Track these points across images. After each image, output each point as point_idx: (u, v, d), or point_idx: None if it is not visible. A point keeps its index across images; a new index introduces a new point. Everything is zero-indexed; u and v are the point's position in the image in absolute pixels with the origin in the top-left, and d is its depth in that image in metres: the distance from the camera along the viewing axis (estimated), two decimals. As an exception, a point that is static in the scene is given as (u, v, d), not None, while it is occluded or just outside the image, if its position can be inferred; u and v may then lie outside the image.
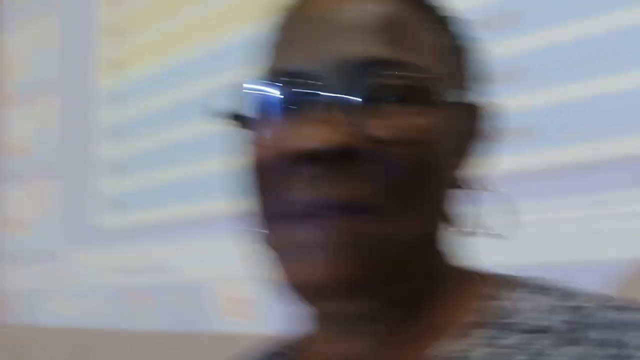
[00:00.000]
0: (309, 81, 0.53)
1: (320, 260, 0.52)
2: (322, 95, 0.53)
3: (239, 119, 0.57)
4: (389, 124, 0.53)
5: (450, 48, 0.60)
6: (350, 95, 0.52)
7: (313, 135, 0.51)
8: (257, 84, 0.56)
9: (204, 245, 1.90)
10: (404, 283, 0.55)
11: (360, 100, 0.52)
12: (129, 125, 2.25)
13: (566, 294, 0.57)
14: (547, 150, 1.27)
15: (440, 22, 0.60)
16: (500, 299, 0.57)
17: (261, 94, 0.56)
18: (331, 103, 0.52)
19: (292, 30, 0.57)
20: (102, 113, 2.35)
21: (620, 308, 0.54)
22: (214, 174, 1.44)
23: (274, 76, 0.56)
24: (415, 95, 0.54)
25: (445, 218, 0.58)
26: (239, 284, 1.78)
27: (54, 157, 2.53)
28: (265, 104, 0.56)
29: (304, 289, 0.53)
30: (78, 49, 2.46)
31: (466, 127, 0.60)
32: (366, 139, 0.52)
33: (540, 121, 1.28)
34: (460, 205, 0.59)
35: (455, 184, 0.59)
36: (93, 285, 2.31)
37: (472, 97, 0.61)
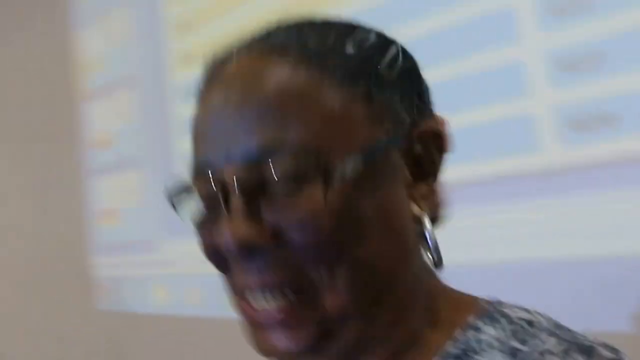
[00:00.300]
0: (208, 177, 0.57)
1: (274, 337, 0.57)
2: (221, 189, 0.56)
3: (181, 204, 0.61)
4: (282, 207, 0.55)
5: (366, 93, 0.58)
6: (247, 187, 0.55)
7: (219, 237, 0.56)
8: (184, 178, 0.60)
9: None
10: (370, 331, 0.59)
11: (255, 190, 0.55)
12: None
13: (526, 333, 0.58)
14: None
15: (347, 73, 0.58)
16: (479, 332, 0.59)
17: (184, 188, 0.60)
18: (230, 194, 0.56)
19: (199, 118, 0.60)
20: (179, 105, 2.37)
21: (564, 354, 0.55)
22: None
23: (193, 168, 0.60)
24: (304, 175, 0.54)
25: (404, 256, 0.60)
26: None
27: (138, 149, 2.56)
28: (190, 195, 0.60)
29: (270, 355, 0.59)
30: (153, 43, 2.48)
31: (407, 155, 0.60)
32: (264, 228, 0.55)
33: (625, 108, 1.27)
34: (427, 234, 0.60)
35: (408, 220, 0.60)
36: (187, 274, 2.33)
37: (409, 123, 0.60)
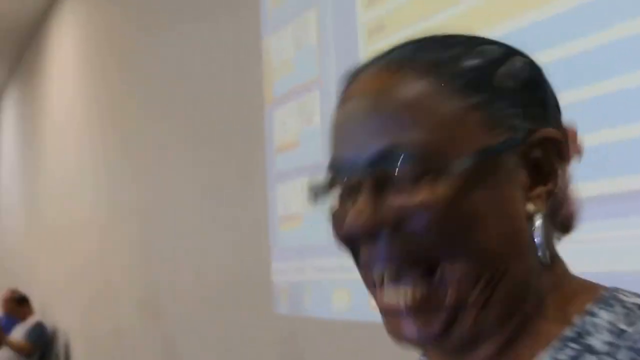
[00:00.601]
0: (343, 172, 0.68)
1: (404, 324, 0.67)
2: (352, 183, 0.67)
3: (319, 196, 0.72)
4: (405, 197, 0.64)
5: (481, 102, 0.66)
6: (373, 181, 0.66)
7: (349, 220, 0.66)
8: (326, 171, 0.71)
9: None
10: (497, 316, 0.66)
11: (380, 181, 0.66)
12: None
13: (636, 317, 0.64)
14: None
15: (462, 78, 0.67)
16: (594, 316, 0.65)
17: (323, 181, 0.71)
18: (360, 186, 0.67)
19: (336, 121, 0.71)
20: None
21: None
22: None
23: (330, 163, 0.71)
24: (424, 172, 0.64)
25: (516, 249, 0.67)
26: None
27: (323, 154, 2.22)
28: (329, 185, 0.71)
29: (400, 342, 0.68)
30: (344, 46, 2.46)
31: (526, 160, 0.67)
32: (388, 214, 0.65)
33: None
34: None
35: (523, 218, 0.67)
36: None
37: (526, 130, 0.67)
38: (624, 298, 0.66)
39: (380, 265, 0.67)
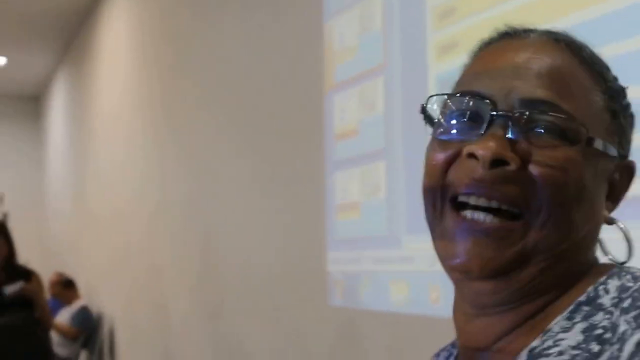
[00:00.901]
0: (489, 103, 0.74)
1: (475, 244, 0.72)
2: (495, 116, 0.73)
3: (436, 119, 0.78)
4: (538, 149, 0.72)
5: (605, 106, 0.77)
6: (517, 119, 0.73)
7: (481, 145, 0.72)
8: (454, 98, 0.77)
9: None
10: (536, 279, 0.74)
11: (522, 127, 0.72)
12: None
13: None
14: None
15: (603, 85, 0.78)
16: (605, 284, 0.73)
17: (454, 105, 0.77)
18: (499, 122, 0.73)
19: (477, 67, 0.79)
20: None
21: None
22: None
23: (466, 95, 0.76)
24: (563, 134, 0.72)
25: (589, 239, 0.77)
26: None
27: (384, 141, 2.48)
28: (456, 113, 0.77)
29: (458, 266, 0.74)
30: (410, 31, 2.40)
31: (611, 176, 0.78)
32: (518, 155, 0.72)
33: None
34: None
35: (597, 219, 0.77)
36: (427, 272, 2.22)
37: (618, 153, 0.78)
38: (635, 270, 0.74)
39: (483, 192, 0.72)
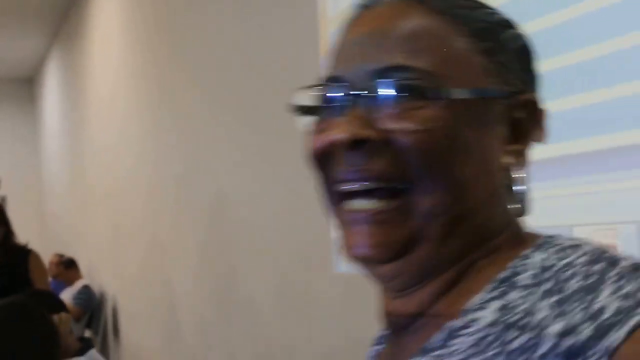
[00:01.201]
0: (342, 85, 0.70)
1: (362, 233, 0.69)
2: (348, 96, 0.69)
3: (305, 112, 0.74)
4: (398, 117, 0.68)
5: (475, 49, 0.71)
6: (368, 95, 0.68)
7: (335, 130, 0.69)
8: (316, 87, 0.74)
9: (559, 188, 1.67)
10: (442, 249, 0.69)
11: (376, 98, 0.68)
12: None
13: (565, 254, 0.67)
14: None
15: (466, 28, 0.71)
16: (528, 258, 0.68)
17: (315, 94, 0.73)
18: (354, 102, 0.69)
19: (338, 45, 0.75)
20: None
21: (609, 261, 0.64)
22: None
23: (325, 80, 0.73)
24: (422, 94, 0.67)
25: (486, 194, 0.71)
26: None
27: None
28: (319, 102, 0.73)
29: (353, 256, 0.71)
30: None
31: (510, 117, 0.72)
32: (377, 129, 0.68)
33: None
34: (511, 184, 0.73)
35: (497, 168, 0.71)
36: None
37: (510, 92, 0.72)
38: (563, 242, 0.69)
39: (356, 176, 0.69)
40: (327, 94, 0.72)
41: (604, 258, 0.65)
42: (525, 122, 0.73)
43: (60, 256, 6.91)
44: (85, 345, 3.30)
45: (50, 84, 9.67)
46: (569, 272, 0.64)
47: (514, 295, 0.66)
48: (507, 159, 0.72)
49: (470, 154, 0.69)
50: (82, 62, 7.49)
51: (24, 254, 4.29)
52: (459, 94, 0.68)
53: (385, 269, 0.71)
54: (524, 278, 0.66)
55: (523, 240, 0.72)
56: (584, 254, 0.66)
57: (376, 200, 0.69)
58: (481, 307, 0.67)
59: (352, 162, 0.69)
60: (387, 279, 0.72)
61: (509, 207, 0.73)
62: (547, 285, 0.64)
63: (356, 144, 0.68)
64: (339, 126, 0.68)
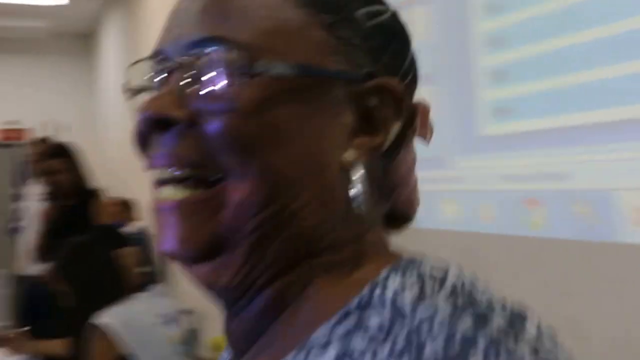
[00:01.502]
0: (158, 61, 0.63)
1: (169, 225, 0.60)
2: (162, 71, 0.62)
3: (136, 92, 0.66)
4: (209, 95, 0.58)
5: (313, 22, 0.61)
6: (181, 70, 0.60)
7: (143, 108, 0.60)
8: (141, 63, 0.65)
9: (601, 152, 1.80)
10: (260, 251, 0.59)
11: (190, 74, 0.59)
12: (508, 35, 2.15)
13: (424, 294, 0.54)
14: None
15: (316, 1, 0.62)
16: (382, 286, 0.56)
17: (143, 72, 0.65)
18: (168, 78, 0.61)
19: (167, 18, 0.66)
20: (481, 20, 2.29)
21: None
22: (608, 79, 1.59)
23: (144, 58, 0.65)
24: (234, 70, 0.58)
25: (316, 193, 0.59)
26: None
27: (433, 67, 2.50)
28: (146, 78, 0.64)
29: (161, 251, 0.61)
30: None
31: (359, 103, 0.61)
32: (186, 109, 0.59)
33: None
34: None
35: (338, 163, 0.60)
36: (479, 191, 2.29)
37: (357, 75, 0.61)
38: (426, 270, 0.58)
39: (164, 161, 0.60)
40: (152, 67, 0.64)
41: (472, 310, 0.52)
42: (382, 112, 0.62)
43: (114, 200, 7.05)
44: (149, 279, 3.44)
45: (111, 36, 9.90)
46: (425, 330, 0.51)
47: (356, 343, 0.53)
48: (350, 154, 0.61)
49: (292, 143, 0.58)
50: (141, 16, 7.65)
51: (93, 196, 4.45)
52: (280, 69, 0.58)
53: (201, 271, 0.61)
54: (372, 323, 0.53)
55: (372, 260, 0.61)
56: (447, 296, 0.54)
57: (184, 189, 0.60)
58: (321, 346, 0.55)
59: (162, 145, 0.60)
60: (208, 285, 0.61)
61: (366, 215, 0.62)
62: (397, 341, 0.51)
63: (166, 125, 0.59)
64: (148, 104, 0.60)
